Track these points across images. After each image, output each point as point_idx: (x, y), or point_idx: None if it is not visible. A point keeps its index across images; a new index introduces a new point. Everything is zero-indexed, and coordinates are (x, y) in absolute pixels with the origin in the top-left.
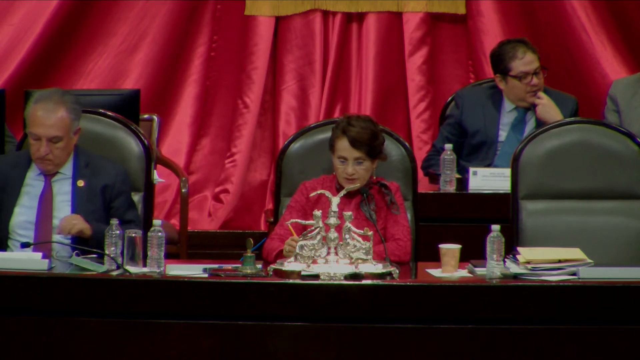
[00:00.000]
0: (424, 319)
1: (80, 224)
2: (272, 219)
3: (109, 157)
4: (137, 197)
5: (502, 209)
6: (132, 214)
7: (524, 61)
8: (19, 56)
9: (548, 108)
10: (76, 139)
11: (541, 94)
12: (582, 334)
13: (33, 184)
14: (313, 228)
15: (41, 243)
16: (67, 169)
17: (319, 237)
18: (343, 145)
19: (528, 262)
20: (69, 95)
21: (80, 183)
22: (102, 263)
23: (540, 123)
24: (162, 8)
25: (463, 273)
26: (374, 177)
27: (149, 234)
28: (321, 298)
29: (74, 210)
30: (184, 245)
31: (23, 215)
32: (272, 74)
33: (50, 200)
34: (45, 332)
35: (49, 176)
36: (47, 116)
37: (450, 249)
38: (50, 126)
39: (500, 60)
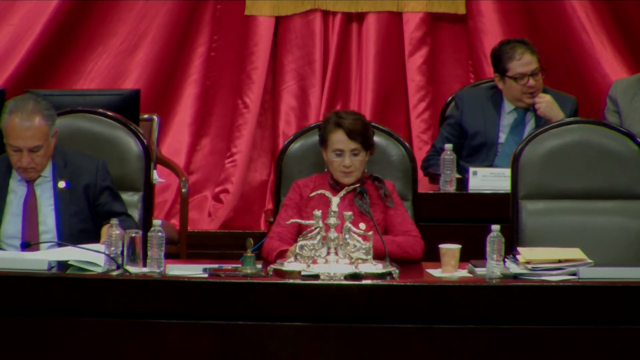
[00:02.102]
0: (424, 319)
1: None
2: (272, 219)
3: (108, 157)
4: (136, 197)
5: (502, 209)
6: (119, 206)
7: (522, 62)
8: (19, 56)
9: (552, 105)
10: (54, 141)
11: (542, 94)
12: (582, 334)
13: (17, 190)
14: (313, 228)
15: (41, 243)
16: (47, 171)
17: (319, 237)
18: (339, 138)
19: (528, 262)
20: (42, 99)
21: (62, 184)
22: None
23: (540, 123)
24: (162, 8)
25: (463, 273)
26: (366, 172)
27: (149, 234)
28: (321, 298)
29: (58, 212)
30: (184, 245)
31: (11, 223)
32: (272, 74)
33: (35, 206)
34: (45, 332)
35: (30, 181)
36: (24, 127)
37: (450, 249)
38: (30, 137)
39: (499, 61)
